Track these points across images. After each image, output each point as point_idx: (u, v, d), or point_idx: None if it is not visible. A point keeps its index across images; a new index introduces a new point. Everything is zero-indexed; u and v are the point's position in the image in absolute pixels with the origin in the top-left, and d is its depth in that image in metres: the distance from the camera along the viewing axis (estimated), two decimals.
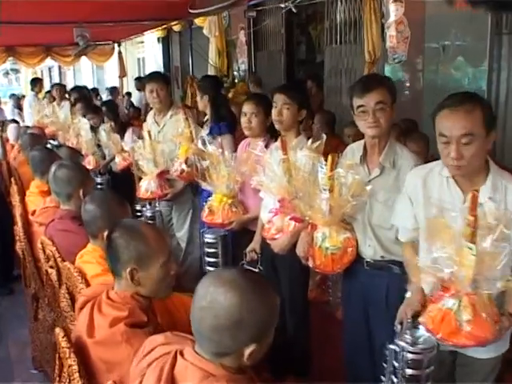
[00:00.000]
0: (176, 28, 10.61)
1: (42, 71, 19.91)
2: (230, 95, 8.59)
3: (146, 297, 1.73)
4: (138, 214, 3.89)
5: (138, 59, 15.16)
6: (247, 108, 3.07)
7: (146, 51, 14.20)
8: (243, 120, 3.10)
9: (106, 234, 1.87)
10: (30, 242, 2.80)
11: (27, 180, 4.11)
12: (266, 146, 3.05)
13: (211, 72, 9.67)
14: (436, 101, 1.95)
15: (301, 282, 2.78)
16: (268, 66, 9.01)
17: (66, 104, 6.75)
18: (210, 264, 3.17)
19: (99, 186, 5.35)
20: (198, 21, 9.49)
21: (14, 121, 7.43)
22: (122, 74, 11.40)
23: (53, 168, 2.73)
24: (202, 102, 3.70)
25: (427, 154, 3.51)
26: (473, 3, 4.14)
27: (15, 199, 3.47)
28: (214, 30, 9.52)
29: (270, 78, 8.90)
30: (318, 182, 2.18)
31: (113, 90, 10.87)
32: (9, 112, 10.31)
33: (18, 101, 10.69)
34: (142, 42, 14.16)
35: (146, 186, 3.68)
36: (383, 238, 2.25)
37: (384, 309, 2.26)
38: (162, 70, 12.98)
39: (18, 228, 2.81)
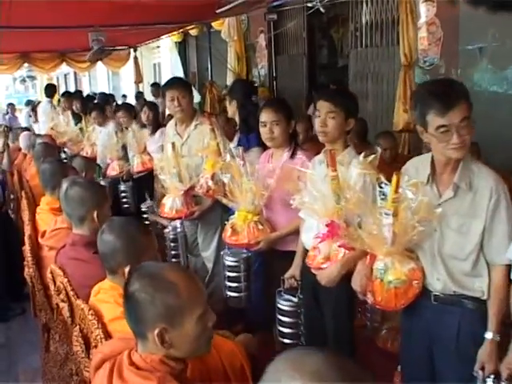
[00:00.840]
0: (193, 32, 10.34)
1: (57, 78, 19.83)
2: None
3: (179, 359, 1.38)
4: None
5: (154, 65, 14.93)
6: (266, 116, 2.77)
7: (162, 56, 13.94)
8: (263, 130, 2.80)
9: (127, 270, 1.54)
10: (40, 267, 2.49)
11: (39, 194, 3.81)
12: (292, 156, 2.74)
13: (230, 77, 9.39)
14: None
15: (347, 315, 2.43)
16: (289, 71, 8.69)
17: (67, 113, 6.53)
18: (231, 289, 2.90)
19: (123, 194, 5.19)
20: (215, 24, 9.21)
21: (26, 129, 7.13)
22: (138, 79, 11.16)
23: (64, 185, 2.44)
24: (231, 108, 3.40)
25: None
26: (472, 3, 4.12)
27: (25, 215, 3.17)
28: (233, 34, 9.22)
29: (291, 83, 8.60)
30: (377, 203, 1.83)
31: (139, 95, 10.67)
32: (23, 119, 10.09)
33: (34, 108, 10.47)
34: (158, 47, 13.92)
35: (171, 204, 3.33)
36: (455, 270, 1.90)
37: (453, 349, 1.95)
38: (178, 75, 12.80)
39: (26, 251, 2.50)
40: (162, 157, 3.46)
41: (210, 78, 8.50)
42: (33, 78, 22.21)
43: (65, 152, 6.70)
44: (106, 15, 6.11)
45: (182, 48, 12.65)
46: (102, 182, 5.10)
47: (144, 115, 4.86)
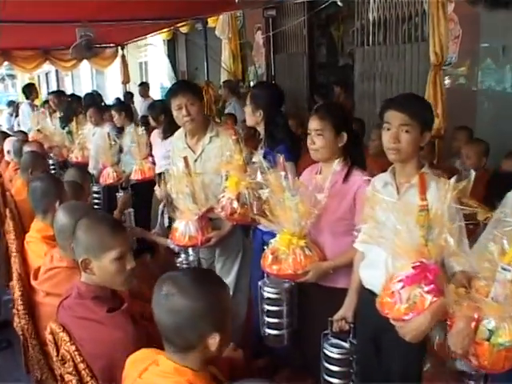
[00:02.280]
0: (183, 29, 9.82)
1: (38, 77, 19.10)
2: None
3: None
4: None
5: (140, 63, 14.34)
6: (310, 124, 2.35)
7: (150, 55, 13.37)
8: (308, 140, 2.37)
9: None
10: (33, 315, 1.99)
11: (27, 212, 3.31)
12: (347, 176, 2.29)
13: (224, 76, 8.91)
14: (491, 107, 1.31)
15: (418, 364, 1.98)
16: (288, 70, 8.24)
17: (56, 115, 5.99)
18: (271, 326, 2.46)
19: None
20: (210, 21, 8.73)
21: (5, 133, 6.54)
22: (126, 79, 10.59)
23: (59, 215, 1.96)
24: (254, 118, 2.85)
25: None
26: (470, 1, 3.91)
27: (11, 240, 2.66)
28: (228, 31, 8.77)
29: (290, 83, 8.16)
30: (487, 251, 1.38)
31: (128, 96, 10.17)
32: (4, 121, 9.47)
33: (16, 108, 9.82)
34: (145, 46, 13.35)
35: (183, 229, 2.81)
36: None
37: None
38: (166, 74, 12.26)
39: (16, 297, 1.99)
40: (170, 174, 2.91)
41: (206, 77, 7.97)
42: (13, 76, 21.45)
43: (51, 158, 6.19)
44: (95, 9, 5.60)
45: (171, 46, 12.12)
46: (96, 188, 4.73)
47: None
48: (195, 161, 2.95)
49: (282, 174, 2.16)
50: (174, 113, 2.92)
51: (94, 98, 6.86)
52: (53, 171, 5.94)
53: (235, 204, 2.48)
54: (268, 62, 8.24)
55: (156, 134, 4.49)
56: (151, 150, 4.47)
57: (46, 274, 2.03)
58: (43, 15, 5.85)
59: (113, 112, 4.90)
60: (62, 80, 20.10)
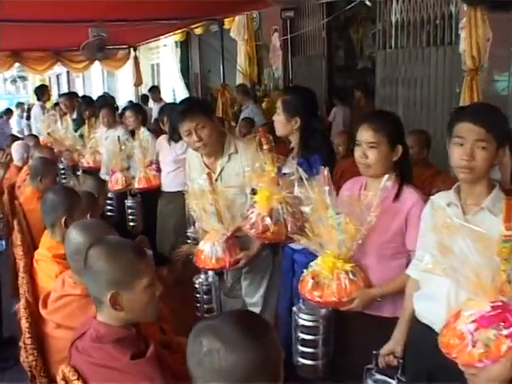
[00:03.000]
0: (197, 31, 9.62)
1: (49, 79, 18.98)
2: (263, 105, 7.61)
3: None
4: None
5: (152, 65, 14.14)
6: (362, 135, 2.09)
7: (162, 57, 13.17)
8: (357, 152, 2.11)
9: None
10: (42, 349, 1.74)
11: (37, 224, 3.08)
12: (398, 193, 2.04)
13: (239, 79, 8.69)
14: None
15: None
16: (306, 73, 7.99)
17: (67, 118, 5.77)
18: (305, 356, 2.19)
19: (129, 211, 4.43)
20: (225, 22, 8.51)
21: (15, 137, 6.33)
22: (138, 81, 10.37)
23: (72, 233, 1.73)
24: (288, 126, 2.53)
25: None
26: (469, 2, 3.77)
27: (18, 256, 2.43)
28: (243, 33, 8.54)
29: (308, 87, 7.88)
30: None
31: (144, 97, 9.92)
32: (15, 123, 9.28)
33: (27, 110, 9.61)
34: (157, 47, 13.16)
35: (209, 251, 2.58)
36: None
37: None
38: (179, 77, 12.05)
39: (24, 329, 1.75)
40: (191, 191, 2.63)
41: (222, 80, 7.73)
42: (24, 78, 21.36)
43: (62, 162, 5.98)
44: (108, 8, 5.38)
45: (184, 48, 11.90)
46: (109, 195, 4.46)
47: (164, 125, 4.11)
48: (215, 180, 2.71)
49: (326, 188, 1.90)
50: (185, 138, 2.70)
51: (107, 100, 6.63)
52: (63, 176, 5.74)
53: (268, 221, 2.21)
54: (285, 64, 7.99)
55: (163, 139, 4.25)
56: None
57: (56, 303, 1.78)
58: (55, 15, 5.65)
59: (127, 113, 4.65)
60: (73, 82, 20.00)
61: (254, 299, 3.05)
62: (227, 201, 2.51)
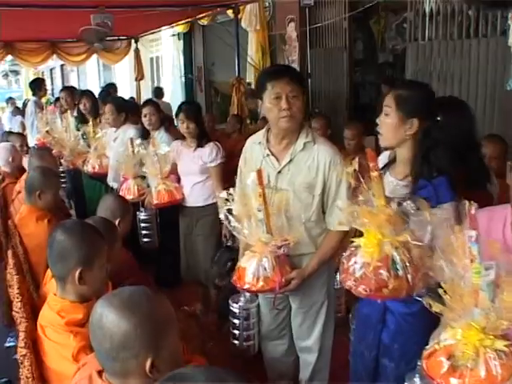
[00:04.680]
0: (202, 21, 8.98)
1: (42, 73, 18.23)
2: None
3: None
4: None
5: (151, 59, 13.44)
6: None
7: (164, 49, 12.46)
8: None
9: None
10: None
11: (36, 249, 2.48)
12: None
13: (250, 73, 8.06)
14: None
15: None
16: (325, 67, 7.36)
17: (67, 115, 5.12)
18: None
19: (143, 224, 3.90)
20: (230, 12, 7.88)
21: (10, 133, 5.64)
22: (140, 76, 9.69)
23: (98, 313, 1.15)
24: (400, 131, 1.89)
25: None
26: (468, 1, 3.81)
27: (16, 309, 1.80)
28: (255, 23, 7.92)
29: (328, 82, 7.30)
30: None
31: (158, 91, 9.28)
32: (6, 120, 8.58)
33: (23, 106, 8.90)
34: (157, 40, 12.47)
35: (255, 269, 2.11)
36: None
37: None
38: (181, 70, 11.37)
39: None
40: (235, 193, 2.18)
41: (237, 73, 7.09)
42: (16, 72, 20.60)
43: (61, 165, 5.33)
44: None
45: (187, 40, 11.20)
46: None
47: (184, 125, 3.42)
48: (279, 172, 2.27)
49: (473, 234, 1.29)
50: (268, 104, 2.20)
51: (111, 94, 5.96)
52: (62, 181, 5.10)
53: (384, 274, 1.58)
54: (302, 57, 7.34)
55: (180, 144, 3.59)
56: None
57: None
58: None
59: (146, 110, 3.98)
60: (68, 76, 19.24)
61: (308, 342, 2.51)
62: (281, 204, 2.13)
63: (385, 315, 1.93)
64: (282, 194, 2.17)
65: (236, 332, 2.50)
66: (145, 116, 3.95)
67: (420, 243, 1.50)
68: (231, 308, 2.49)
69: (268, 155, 2.30)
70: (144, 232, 3.97)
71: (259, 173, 2.09)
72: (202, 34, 11.01)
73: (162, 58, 12.82)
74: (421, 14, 5.98)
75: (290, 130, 2.24)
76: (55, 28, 6.92)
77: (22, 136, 4.82)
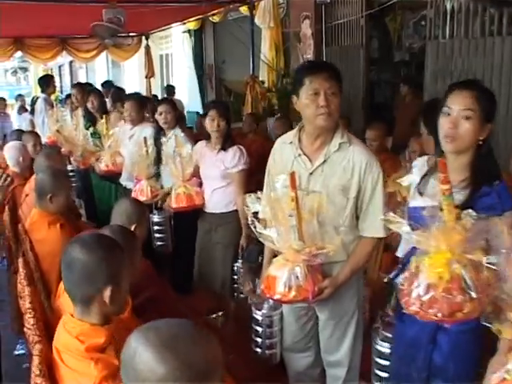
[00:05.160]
0: (214, 18, 8.81)
1: (51, 70, 18.12)
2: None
3: None
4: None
5: (161, 56, 13.29)
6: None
7: (174, 47, 12.30)
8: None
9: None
10: None
11: (48, 256, 2.33)
12: None
13: (263, 70, 7.87)
14: None
15: None
16: (341, 65, 7.17)
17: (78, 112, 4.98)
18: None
19: (157, 227, 3.81)
20: (243, 9, 7.72)
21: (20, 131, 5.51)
22: (150, 73, 9.56)
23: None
24: (475, 136, 1.73)
25: None
26: None
27: (29, 326, 1.65)
28: (269, 20, 7.75)
29: (344, 80, 7.10)
30: None
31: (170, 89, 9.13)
32: (15, 117, 8.44)
33: (32, 103, 8.76)
34: (167, 37, 12.31)
35: (287, 278, 1.98)
36: None
37: None
38: (191, 67, 11.22)
39: None
40: (263, 196, 2.12)
41: (251, 71, 6.92)
42: (25, 69, 20.54)
43: (70, 163, 5.20)
44: None
45: (198, 37, 11.03)
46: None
47: (214, 123, 3.21)
48: (311, 174, 2.15)
49: None
50: (305, 100, 2.07)
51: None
52: (72, 180, 4.95)
53: (457, 296, 1.41)
54: (318, 55, 7.16)
55: (204, 146, 3.37)
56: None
57: None
58: None
59: (161, 109, 3.81)
60: (76, 73, 19.14)
61: (337, 355, 2.38)
62: (314, 207, 1.99)
63: (436, 334, 1.77)
64: (315, 196, 2.03)
65: (258, 340, 2.42)
66: (160, 114, 3.78)
67: (494, 266, 1.33)
68: (254, 315, 2.41)
69: (300, 155, 2.17)
70: (157, 235, 3.84)
71: (292, 175, 1.95)
72: (212, 31, 10.87)
73: (172, 56, 12.64)
74: (441, 12, 5.82)
75: (326, 129, 2.11)
76: (66, 23, 6.78)
77: (35, 135, 4.65)
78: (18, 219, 2.90)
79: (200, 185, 3.38)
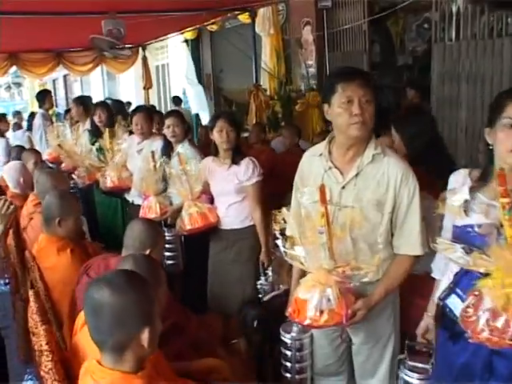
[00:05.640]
0: (211, 27, 8.71)
1: (45, 84, 17.95)
2: (297, 108, 6.66)
3: None
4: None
5: (157, 67, 13.16)
6: None
7: (170, 57, 12.17)
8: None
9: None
10: None
11: (58, 285, 2.18)
12: None
13: (264, 78, 7.74)
14: None
15: None
16: None
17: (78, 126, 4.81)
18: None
19: (167, 246, 3.52)
20: (242, 17, 7.60)
21: (20, 147, 5.33)
22: (148, 84, 9.43)
23: None
24: None
25: None
26: (472, 1, 3.80)
27: (39, 338, 1.49)
28: (269, 27, 7.64)
29: None
30: None
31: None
32: (11, 136, 8.27)
33: (29, 119, 8.60)
34: (163, 47, 12.19)
35: (318, 302, 1.82)
36: None
37: None
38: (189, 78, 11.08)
39: None
40: (290, 213, 2.00)
41: (254, 80, 6.79)
42: (19, 84, 20.36)
43: (72, 179, 5.02)
44: None
45: (195, 46, 10.91)
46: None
47: (223, 134, 3.01)
48: (343, 187, 2.00)
49: None
50: (337, 108, 1.93)
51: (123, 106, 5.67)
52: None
53: None
54: (320, 61, 7.03)
55: (212, 161, 3.17)
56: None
57: None
58: (62, 5, 4.70)
59: (168, 122, 3.63)
60: (71, 86, 18.96)
61: (373, 381, 2.21)
62: (346, 223, 1.85)
63: (491, 360, 1.60)
64: (348, 211, 1.89)
65: (288, 364, 2.25)
66: (168, 127, 3.60)
67: None
68: (282, 338, 2.25)
69: (330, 168, 2.01)
70: (168, 254, 3.65)
71: (322, 189, 1.81)
72: (210, 40, 10.75)
73: (169, 66, 12.52)
74: (447, 14, 5.70)
75: (360, 139, 1.96)
76: (64, 36, 6.63)
77: (35, 152, 4.47)
78: (23, 244, 2.73)
79: (210, 201, 3.21)
